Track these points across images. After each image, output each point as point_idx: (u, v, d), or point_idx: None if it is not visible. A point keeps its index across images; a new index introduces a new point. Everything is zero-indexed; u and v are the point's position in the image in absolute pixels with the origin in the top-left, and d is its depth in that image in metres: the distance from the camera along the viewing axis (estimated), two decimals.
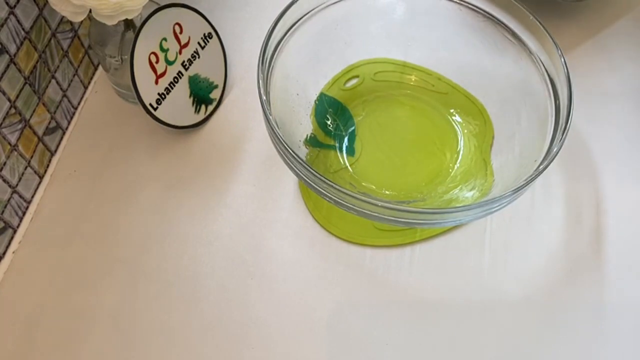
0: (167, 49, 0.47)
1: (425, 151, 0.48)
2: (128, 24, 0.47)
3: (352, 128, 0.49)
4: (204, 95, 0.51)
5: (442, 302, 0.43)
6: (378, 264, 0.44)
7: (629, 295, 0.43)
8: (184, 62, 0.48)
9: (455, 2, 0.47)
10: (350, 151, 0.48)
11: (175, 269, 0.44)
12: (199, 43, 0.49)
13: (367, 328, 0.42)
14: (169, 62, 0.47)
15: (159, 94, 0.47)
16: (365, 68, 0.50)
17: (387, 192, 0.45)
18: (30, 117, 0.46)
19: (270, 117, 0.39)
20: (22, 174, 0.46)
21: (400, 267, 0.44)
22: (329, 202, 0.38)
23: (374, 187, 0.46)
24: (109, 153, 0.50)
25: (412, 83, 0.51)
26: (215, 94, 0.52)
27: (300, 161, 0.37)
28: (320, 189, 0.38)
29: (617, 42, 0.56)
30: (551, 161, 0.37)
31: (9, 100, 0.43)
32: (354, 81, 0.50)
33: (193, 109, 0.50)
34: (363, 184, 0.46)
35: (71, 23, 0.49)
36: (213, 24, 0.50)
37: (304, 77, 0.47)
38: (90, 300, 0.43)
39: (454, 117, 0.49)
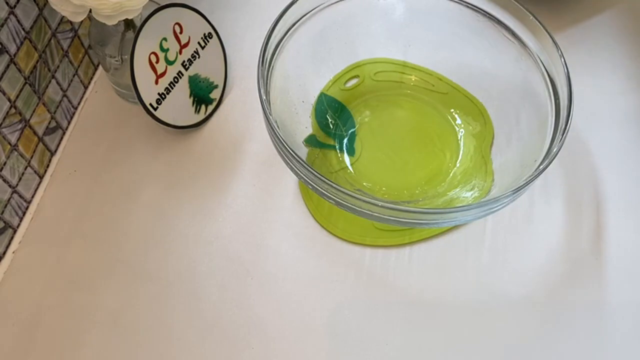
0: (167, 49, 0.47)
1: (425, 151, 0.48)
2: (128, 24, 0.47)
3: (353, 128, 0.49)
4: (204, 95, 0.51)
5: (441, 302, 0.43)
6: (378, 264, 0.44)
7: (629, 295, 0.43)
8: (184, 62, 0.48)
9: (455, 2, 0.47)
10: (351, 151, 0.48)
11: (175, 269, 0.44)
12: (199, 43, 0.49)
13: (367, 328, 0.42)
14: (169, 62, 0.47)
15: (159, 93, 0.47)
16: (365, 68, 0.50)
17: (386, 192, 0.45)
18: (30, 117, 0.46)
19: (271, 117, 0.39)
20: (22, 174, 0.46)
21: (400, 267, 0.44)
22: (329, 202, 0.38)
23: (373, 186, 0.46)
24: (109, 153, 0.50)
25: (412, 83, 0.51)
26: (215, 94, 0.52)
27: (301, 161, 0.37)
28: (320, 189, 0.38)
29: (618, 41, 0.56)
30: (551, 161, 0.37)
31: (9, 100, 0.43)
32: (354, 81, 0.50)
33: (193, 109, 0.50)
34: (363, 183, 0.46)
35: (71, 23, 0.49)
36: (213, 24, 0.50)
37: (304, 77, 0.47)
38: (90, 300, 0.43)
39: (454, 117, 0.49)
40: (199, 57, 0.50)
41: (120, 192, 0.48)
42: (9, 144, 0.43)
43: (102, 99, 0.53)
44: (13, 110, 0.43)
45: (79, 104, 0.53)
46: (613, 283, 0.43)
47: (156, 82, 0.47)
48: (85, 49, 0.52)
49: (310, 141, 0.47)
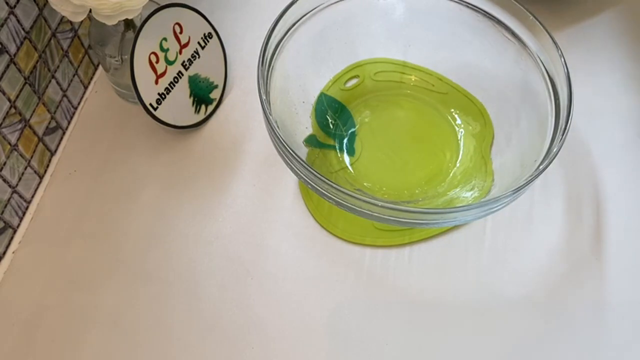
0: (167, 49, 0.47)
1: (425, 151, 0.48)
2: (128, 24, 0.47)
3: (353, 128, 0.49)
4: (204, 95, 0.51)
5: (441, 302, 0.43)
6: (378, 264, 0.44)
7: (629, 295, 0.43)
8: (184, 62, 0.48)
9: (455, 2, 0.47)
10: (351, 151, 0.48)
11: (175, 269, 0.44)
12: (199, 43, 0.49)
13: (367, 328, 0.42)
14: (169, 62, 0.47)
15: (159, 94, 0.47)
16: (365, 68, 0.50)
17: (386, 192, 0.45)
18: (30, 117, 0.46)
19: (271, 117, 0.39)
20: (22, 174, 0.46)
21: (400, 267, 0.44)
22: (329, 202, 0.38)
23: (373, 186, 0.46)
24: (109, 153, 0.50)
25: (412, 83, 0.51)
26: (215, 94, 0.52)
27: (301, 161, 0.37)
28: (320, 189, 0.38)
29: (618, 41, 0.56)
30: (551, 161, 0.37)
31: (9, 100, 0.43)
32: (354, 81, 0.50)
33: (193, 109, 0.50)
34: (363, 183, 0.46)
35: (71, 23, 0.49)
36: (213, 24, 0.50)
37: (304, 77, 0.47)
38: (90, 301, 0.43)
39: (454, 117, 0.49)
40: (199, 57, 0.50)
41: (120, 192, 0.48)
42: (9, 144, 0.43)
43: (102, 99, 0.53)
44: (13, 110, 0.43)
45: (79, 104, 0.53)
46: (613, 283, 0.43)
47: (156, 82, 0.47)
48: (85, 49, 0.52)
49: (310, 141, 0.47)
